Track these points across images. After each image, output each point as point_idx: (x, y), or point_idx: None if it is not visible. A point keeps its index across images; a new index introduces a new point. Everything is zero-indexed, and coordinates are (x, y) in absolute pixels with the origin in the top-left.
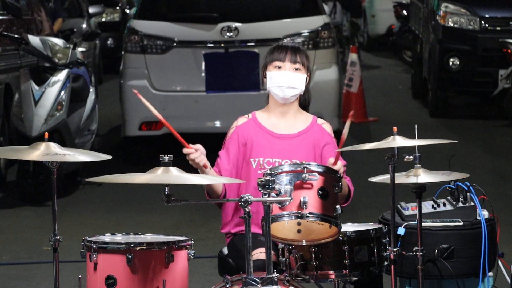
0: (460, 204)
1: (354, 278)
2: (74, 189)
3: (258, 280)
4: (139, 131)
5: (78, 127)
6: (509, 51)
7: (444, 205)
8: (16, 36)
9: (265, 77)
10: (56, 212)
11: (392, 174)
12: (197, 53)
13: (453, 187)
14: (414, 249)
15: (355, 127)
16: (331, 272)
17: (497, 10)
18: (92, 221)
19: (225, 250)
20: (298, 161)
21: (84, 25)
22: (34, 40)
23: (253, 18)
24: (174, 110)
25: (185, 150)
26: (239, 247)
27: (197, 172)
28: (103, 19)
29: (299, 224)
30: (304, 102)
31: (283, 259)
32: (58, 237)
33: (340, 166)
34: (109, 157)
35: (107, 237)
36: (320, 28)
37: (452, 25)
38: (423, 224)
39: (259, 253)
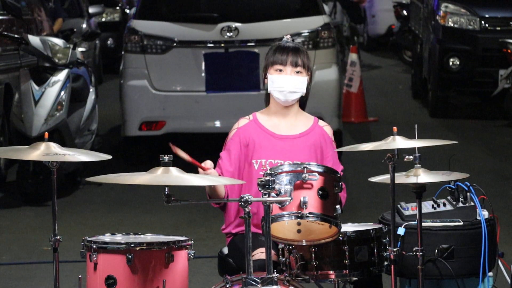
0: (460, 204)
1: (354, 278)
2: (74, 189)
3: (258, 280)
4: (139, 131)
5: (78, 127)
6: (509, 51)
7: (444, 205)
8: (16, 36)
9: (266, 78)
10: (56, 212)
11: (392, 174)
12: (197, 53)
13: (453, 187)
14: (414, 249)
15: (355, 127)
16: (331, 272)
17: (497, 10)
18: (92, 221)
19: (225, 250)
20: (298, 161)
21: (84, 25)
22: (34, 40)
23: (253, 18)
24: (174, 110)
25: (203, 173)
26: (240, 247)
27: (197, 173)
28: (103, 19)
29: (299, 224)
30: (302, 98)
31: (283, 259)
32: (58, 237)
33: None
34: (109, 157)
35: (107, 237)
36: (320, 28)
37: (452, 25)
38: (423, 224)
39: (261, 253)
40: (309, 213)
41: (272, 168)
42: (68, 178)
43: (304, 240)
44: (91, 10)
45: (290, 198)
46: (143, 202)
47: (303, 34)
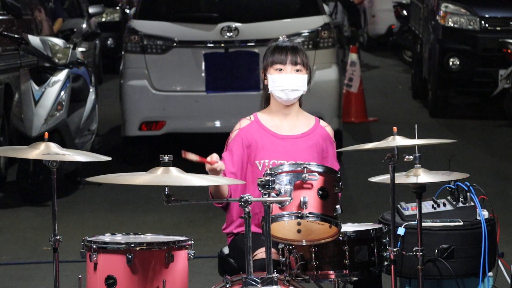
0: (460, 204)
1: (354, 278)
2: (74, 189)
3: (258, 280)
4: (139, 131)
5: (78, 127)
6: (509, 51)
7: (444, 205)
8: (16, 36)
9: (266, 79)
10: (56, 212)
11: (392, 174)
12: (197, 53)
13: (453, 187)
14: (414, 249)
15: (355, 127)
16: (331, 272)
17: (497, 10)
18: (92, 221)
19: (226, 250)
20: (298, 161)
21: (84, 25)
22: (34, 40)
23: (253, 18)
24: (174, 110)
25: (210, 167)
26: (241, 247)
27: (197, 173)
28: (103, 19)
29: (299, 224)
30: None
31: (283, 259)
32: (58, 237)
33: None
34: (108, 158)
35: (107, 237)
36: (320, 28)
37: (452, 25)
38: (423, 224)
39: (263, 253)
40: (309, 213)
41: (272, 168)
42: (68, 178)
43: (304, 240)
44: (91, 10)
45: (290, 198)
46: (143, 202)
47: (303, 34)
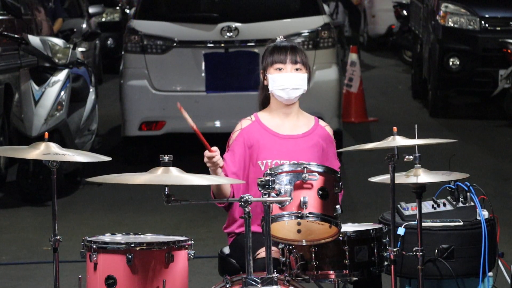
0: (460, 204)
1: (354, 278)
2: (74, 189)
3: (258, 280)
4: (139, 131)
5: (78, 127)
6: (509, 51)
7: (444, 205)
8: (16, 36)
9: (265, 79)
10: (56, 212)
11: (392, 174)
12: (197, 53)
13: (453, 187)
14: (414, 249)
15: (355, 127)
16: (331, 272)
17: (497, 10)
18: (92, 221)
19: (226, 250)
20: (297, 161)
21: (84, 25)
22: (34, 40)
23: (253, 18)
24: (174, 110)
25: (208, 154)
26: (243, 246)
27: (197, 173)
28: (103, 19)
29: (299, 224)
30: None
31: (283, 259)
32: (58, 237)
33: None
34: (108, 158)
35: (107, 237)
36: (320, 28)
37: (452, 25)
38: (423, 224)
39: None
40: (309, 213)
41: (272, 168)
42: (68, 178)
43: (304, 240)
44: (91, 10)
45: (290, 198)
46: (143, 202)
47: (303, 34)
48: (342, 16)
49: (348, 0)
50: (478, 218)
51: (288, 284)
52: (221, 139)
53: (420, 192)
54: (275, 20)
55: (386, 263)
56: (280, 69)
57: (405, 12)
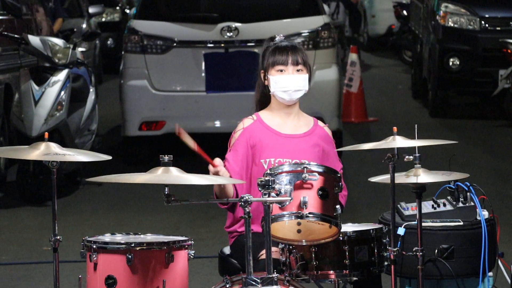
0: (460, 204)
1: (354, 278)
2: (74, 189)
3: (258, 280)
4: (139, 131)
5: (78, 127)
6: (509, 51)
7: (444, 205)
8: (16, 36)
9: (266, 79)
10: (56, 212)
11: (392, 174)
12: (197, 53)
13: (453, 187)
14: (414, 249)
15: (355, 127)
16: (331, 272)
17: (497, 10)
18: (92, 221)
19: (226, 250)
20: (298, 161)
21: (84, 25)
22: (34, 40)
23: (253, 18)
24: (174, 110)
25: (213, 170)
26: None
27: (197, 173)
28: (103, 19)
29: (299, 224)
30: None
31: (283, 259)
32: (58, 237)
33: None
34: (109, 157)
35: (107, 237)
36: (320, 28)
37: (452, 25)
38: (423, 224)
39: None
40: (309, 213)
41: (272, 168)
42: (68, 178)
43: (304, 240)
44: (91, 10)
45: (290, 198)
46: (143, 202)
47: (303, 34)
48: (342, 16)
49: (349, 1)
50: (478, 218)
51: (288, 284)
52: (221, 139)
53: (420, 192)
54: (275, 20)
55: (386, 263)
56: (281, 70)
57: (405, 12)
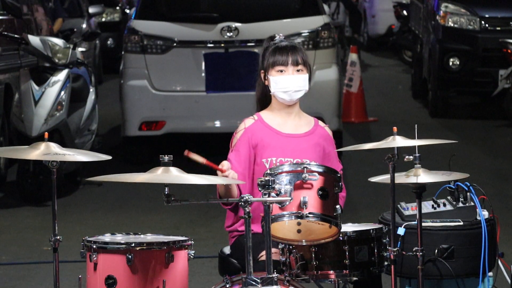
0: (460, 204)
1: (354, 278)
2: (74, 189)
3: (258, 280)
4: (139, 131)
5: (78, 127)
6: (509, 51)
7: (444, 205)
8: (16, 36)
9: (266, 80)
10: (56, 212)
11: (392, 174)
12: (197, 53)
13: (453, 187)
14: (414, 249)
15: (355, 127)
16: (331, 272)
17: (497, 10)
18: (92, 221)
19: (226, 250)
20: (299, 160)
21: (84, 25)
22: (34, 40)
23: (253, 18)
24: (174, 110)
25: (222, 174)
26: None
27: (197, 173)
28: (103, 19)
29: (299, 224)
30: None
31: (283, 259)
32: (58, 237)
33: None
34: (108, 157)
35: (107, 237)
36: (320, 28)
37: (452, 25)
38: (423, 224)
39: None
40: (309, 213)
41: (272, 168)
42: (68, 178)
43: (304, 240)
44: (91, 10)
45: (290, 198)
46: (143, 202)
47: (303, 34)
48: (343, 16)
49: (349, 1)
50: (478, 218)
51: (288, 284)
52: (221, 139)
53: (420, 192)
54: (275, 20)
55: (386, 263)
56: (281, 71)
57: (405, 12)
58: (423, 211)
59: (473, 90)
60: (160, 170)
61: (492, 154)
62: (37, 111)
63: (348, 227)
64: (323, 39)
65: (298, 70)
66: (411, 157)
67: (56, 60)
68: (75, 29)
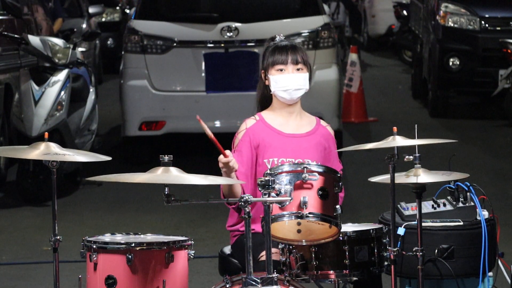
0: (460, 204)
1: (354, 278)
2: (74, 189)
3: (258, 280)
4: (139, 131)
5: (78, 127)
6: (509, 51)
7: (444, 205)
8: (16, 36)
9: (266, 79)
10: (56, 212)
11: (392, 174)
12: (197, 53)
13: (453, 187)
14: (414, 249)
15: (355, 127)
16: (331, 272)
17: (497, 10)
18: (92, 221)
19: (226, 250)
20: (301, 160)
21: (84, 25)
22: (34, 40)
23: (253, 18)
24: (174, 110)
25: (224, 159)
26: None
27: (197, 173)
28: (103, 19)
29: (299, 224)
30: None
31: (283, 259)
32: (58, 237)
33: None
34: (108, 158)
35: (107, 237)
36: (320, 28)
37: (452, 25)
38: (423, 224)
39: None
40: (309, 213)
41: (272, 168)
42: (68, 178)
43: (304, 240)
44: (91, 10)
45: (290, 198)
46: (143, 202)
47: (303, 34)
48: (343, 16)
49: (349, 1)
50: (478, 218)
51: (288, 284)
52: (221, 139)
53: (420, 192)
54: (275, 20)
55: (386, 263)
56: (281, 70)
57: (405, 12)
58: (423, 211)
59: (473, 90)
60: (160, 170)
61: (492, 154)
62: (37, 111)
63: (348, 227)
64: (323, 39)
65: (298, 69)
66: (411, 157)
67: (56, 60)
68: (75, 29)
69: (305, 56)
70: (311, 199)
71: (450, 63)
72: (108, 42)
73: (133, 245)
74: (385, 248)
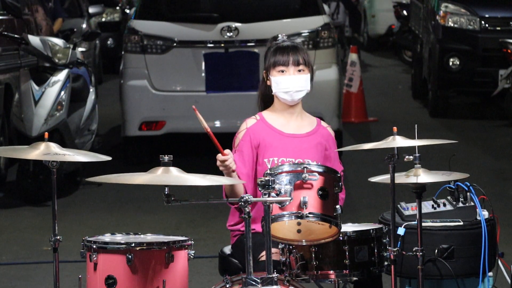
0: (460, 204)
1: (354, 278)
2: (74, 189)
3: (258, 280)
4: (139, 131)
5: (78, 127)
6: (509, 51)
7: (444, 205)
8: (16, 36)
9: (268, 80)
10: (56, 212)
11: (392, 174)
12: (197, 53)
13: (453, 187)
14: (414, 249)
15: (355, 127)
16: (331, 272)
17: (497, 10)
18: (92, 221)
19: (226, 250)
20: (301, 160)
21: (84, 25)
22: (34, 40)
23: (253, 18)
24: (174, 110)
25: (221, 157)
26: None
27: (197, 173)
28: (103, 19)
29: (299, 224)
30: None
31: (283, 259)
32: (58, 237)
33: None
34: (108, 158)
35: (107, 237)
36: (320, 28)
37: (452, 25)
38: (423, 224)
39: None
40: (309, 213)
41: (272, 168)
42: (68, 178)
43: (304, 240)
44: (91, 10)
45: (290, 198)
46: (143, 202)
47: (303, 34)
48: (343, 16)
49: (349, 1)
50: (478, 218)
51: (288, 284)
52: (221, 139)
53: (420, 192)
54: (275, 20)
55: (386, 263)
56: (283, 71)
57: (405, 12)
58: (423, 211)
59: (473, 90)
60: (160, 170)
61: (492, 154)
62: (37, 111)
63: (348, 227)
64: (323, 39)
65: (299, 70)
66: (411, 157)
67: (56, 60)
68: (75, 29)
69: (307, 56)
70: (311, 199)
71: (450, 63)
72: (108, 42)
73: (133, 245)
74: (385, 248)
